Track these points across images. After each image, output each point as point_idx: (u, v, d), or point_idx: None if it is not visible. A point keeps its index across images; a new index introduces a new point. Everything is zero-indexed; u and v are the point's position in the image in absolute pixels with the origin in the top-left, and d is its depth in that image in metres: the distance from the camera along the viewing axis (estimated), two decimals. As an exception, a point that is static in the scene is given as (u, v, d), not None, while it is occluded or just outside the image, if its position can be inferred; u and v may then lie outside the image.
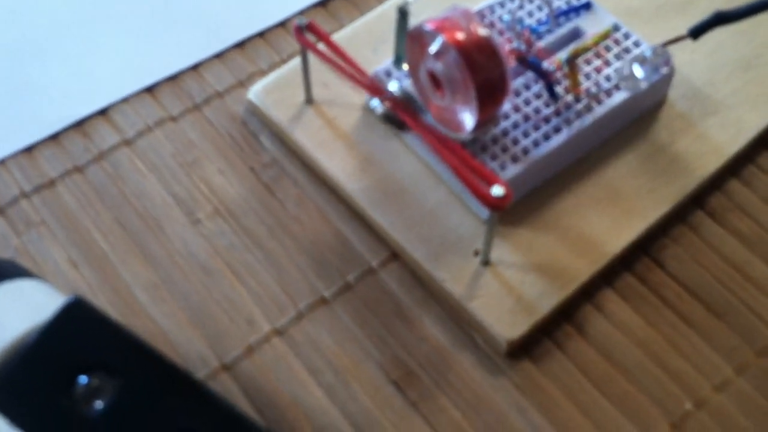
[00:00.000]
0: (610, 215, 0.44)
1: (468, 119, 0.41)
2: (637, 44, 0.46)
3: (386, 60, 0.47)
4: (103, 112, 0.48)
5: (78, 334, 0.31)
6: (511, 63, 0.43)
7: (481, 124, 0.41)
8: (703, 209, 0.46)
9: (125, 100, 0.48)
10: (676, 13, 0.51)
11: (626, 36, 0.47)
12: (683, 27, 0.50)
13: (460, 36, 0.40)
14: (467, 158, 0.39)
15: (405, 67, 0.44)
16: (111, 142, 0.47)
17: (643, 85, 0.41)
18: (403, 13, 0.40)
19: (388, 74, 0.45)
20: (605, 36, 0.46)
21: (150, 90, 0.49)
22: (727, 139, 0.47)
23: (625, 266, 0.44)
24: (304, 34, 0.43)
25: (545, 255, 0.43)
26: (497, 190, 0.38)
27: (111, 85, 0.48)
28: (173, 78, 0.49)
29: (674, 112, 0.47)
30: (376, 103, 0.41)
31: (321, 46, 0.44)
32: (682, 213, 0.45)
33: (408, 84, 0.44)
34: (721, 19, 0.43)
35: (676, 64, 0.46)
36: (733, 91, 0.48)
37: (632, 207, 0.44)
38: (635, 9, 0.51)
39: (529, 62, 0.43)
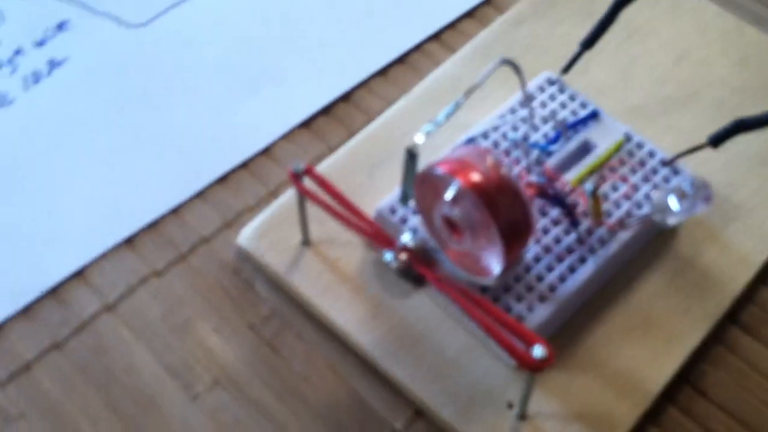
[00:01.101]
0: (646, 345, 0.41)
1: (493, 264, 0.37)
2: (652, 154, 0.43)
3: (383, 186, 0.44)
4: (79, 274, 0.43)
5: None
6: (530, 195, 0.40)
7: (508, 268, 0.38)
8: (738, 325, 0.43)
9: (103, 257, 0.44)
10: (681, 107, 0.48)
11: (639, 145, 0.44)
12: (690, 123, 0.48)
13: (477, 178, 0.36)
14: (501, 316, 0.35)
15: (411, 203, 0.40)
16: (91, 309, 0.42)
17: (679, 219, 0.38)
18: (411, 155, 0.36)
19: (393, 211, 0.42)
20: (618, 148, 0.43)
21: (129, 242, 0.44)
22: (753, 247, 0.44)
23: (667, 398, 0.41)
24: (301, 180, 0.39)
25: (584, 400, 0.39)
26: (539, 352, 0.34)
27: (86, 241, 0.44)
28: (153, 225, 0.45)
29: (694, 219, 0.44)
30: (390, 256, 0.37)
31: (313, 188, 0.40)
32: (717, 332, 0.42)
33: (419, 227, 0.40)
34: (741, 126, 0.41)
35: (691, 164, 0.43)
36: (752, 192, 0.45)
37: (668, 333, 0.41)
38: (638, 107, 0.48)
39: (551, 196, 0.39)
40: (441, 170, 0.37)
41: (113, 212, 0.45)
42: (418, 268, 0.37)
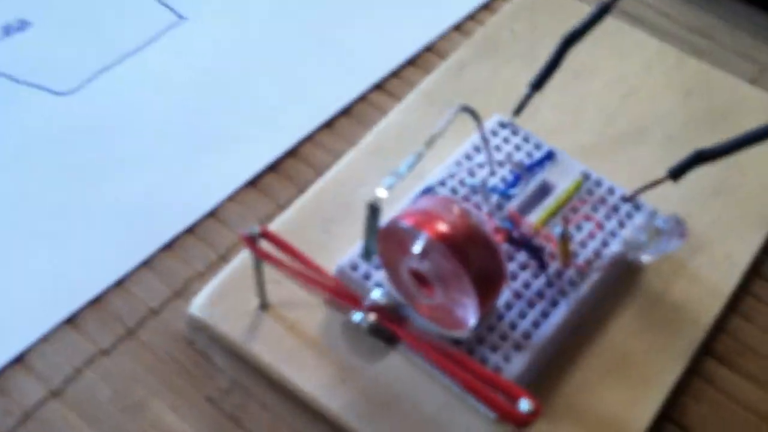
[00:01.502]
0: (625, 387, 0.40)
1: (468, 316, 0.35)
2: (611, 191, 0.43)
3: (340, 242, 0.42)
4: (19, 360, 0.40)
5: None
6: (499, 242, 0.38)
7: (483, 319, 0.36)
8: (713, 356, 0.42)
9: (44, 339, 0.40)
10: (633, 143, 0.48)
11: (598, 183, 0.43)
12: (643, 158, 0.47)
13: (445, 229, 0.34)
14: (482, 371, 0.33)
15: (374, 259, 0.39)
16: (35, 397, 0.39)
17: (654, 256, 0.37)
18: (374, 210, 0.35)
19: (354, 267, 0.40)
20: (577, 187, 0.42)
21: (71, 321, 0.41)
22: (721, 277, 0.43)
23: (651, 441, 0.39)
24: (257, 243, 0.37)
25: (569, 450, 0.38)
26: (525, 405, 0.32)
27: (23, 324, 0.41)
28: (96, 300, 0.42)
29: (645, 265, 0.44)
30: (359, 317, 0.35)
31: (270, 250, 0.38)
32: (694, 365, 0.41)
33: (384, 282, 0.38)
34: (701, 157, 0.40)
35: (649, 199, 0.43)
36: (712, 221, 0.45)
37: (646, 372, 0.40)
38: (591, 146, 0.48)
39: (519, 241, 0.38)
40: (406, 223, 0.35)
41: (51, 290, 0.42)
42: (389, 326, 0.35)
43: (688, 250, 0.44)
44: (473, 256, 0.34)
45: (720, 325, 0.43)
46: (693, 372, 0.41)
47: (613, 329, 0.41)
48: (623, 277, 0.43)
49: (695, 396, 0.41)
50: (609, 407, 0.39)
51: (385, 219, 0.36)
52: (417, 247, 0.35)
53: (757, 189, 0.47)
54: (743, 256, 0.44)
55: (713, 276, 0.43)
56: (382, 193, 0.34)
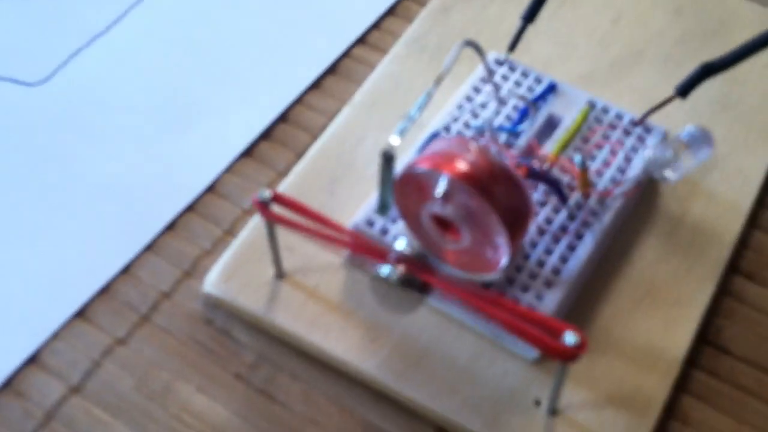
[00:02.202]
0: (658, 313, 0.39)
1: (499, 255, 0.34)
2: (620, 116, 0.42)
3: (349, 202, 0.41)
4: (33, 360, 0.38)
5: None
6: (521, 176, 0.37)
7: (513, 258, 0.35)
8: (740, 273, 0.41)
9: (56, 336, 0.39)
10: (630, 67, 0.47)
11: (605, 110, 0.42)
12: (642, 80, 0.47)
13: (466, 168, 0.33)
14: (523, 310, 0.32)
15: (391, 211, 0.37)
16: (55, 395, 0.37)
17: (683, 171, 0.36)
18: (388, 159, 0.33)
19: (371, 223, 0.39)
20: (585, 116, 0.41)
21: (82, 314, 0.40)
22: (737, 192, 0.42)
23: (691, 364, 0.39)
24: (269, 207, 0.36)
25: (611, 382, 0.37)
26: (570, 338, 0.31)
27: (33, 323, 0.39)
28: (105, 290, 0.40)
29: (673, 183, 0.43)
30: (387, 270, 0.34)
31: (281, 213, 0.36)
32: (723, 285, 0.41)
33: (403, 235, 0.37)
34: (708, 71, 0.39)
35: (656, 120, 0.42)
36: (722, 137, 0.44)
37: (676, 297, 0.39)
38: (588, 73, 0.46)
39: (540, 175, 0.37)
40: (424, 167, 0.34)
41: (57, 285, 0.40)
42: (420, 276, 0.34)
43: (701, 169, 0.43)
44: (498, 192, 0.33)
45: (743, 241, 0.42)
46: (723, 291, 0.41)
47: (638, 257, 0.40)
48: (642, 204, 0.42)
49: (728, 315, 0.40)
50: (645, 335, 0.38)
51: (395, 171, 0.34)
52: (439, 190, 0.33)
53: (759, 101, 0.46)
54: (756, 170, 0.43)
55: (729, 192, 0.42)
56: (395, 140, 0.33)
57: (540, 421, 0.36)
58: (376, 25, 0.50)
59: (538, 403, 0.36)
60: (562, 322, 0.32)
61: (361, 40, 0.50)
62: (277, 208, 0.36)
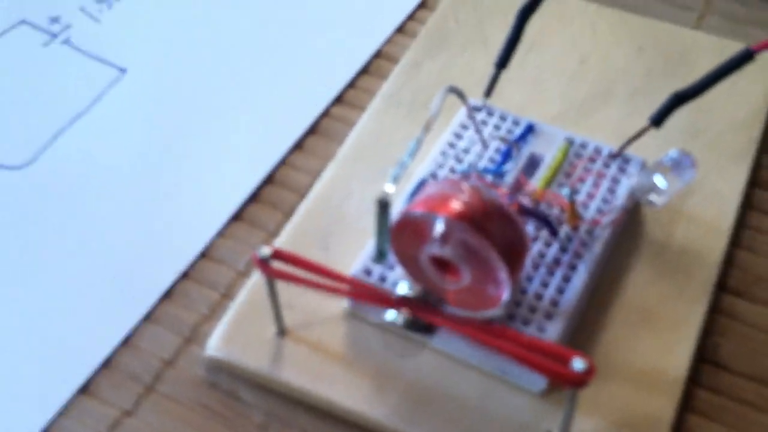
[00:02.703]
0: (655, 336, 0.40)
1: (500, 290, 0.35)
2: (598, 150, 0.43)
3: (343, 255, 0.42)
4: (41, 439, 0.38)
5: None
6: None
7: (514, 292, 0.36)
8: (729, 292, 0.42)
9: (61, 414, 0.39)
10: (600, 105, 0.49)
11: (584, 146, 0.43)
12: (613, 116, 0.48)
13: (461, 207, 0.34)
14: (530, 340, 0.33)
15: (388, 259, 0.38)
16: (68, 473, 0.37)
17: (670, 194, 0.38)
18: (383, 206, 0.34)
19: (368, 272, 0.39)
20: (566, 152, 0.43)
21: (85, 390, 0.39)
22: (717, 214, 0.44)
23: (692, 383, 0.39)
24: (270, 264, 0.36)
25: (618, 407, 0.37)
26: (579, 365, 0.32)
27: (36, 404, 0.39)
28: (106, 364, 0.40)
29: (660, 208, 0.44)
30: (392, 315, 0.34)
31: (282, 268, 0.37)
32: (714, 304, 0.42)
33: (402, 281, 0.38)
34: (680, 99, 0.41)
35: (631, 152, 0.43)
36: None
37: (671, 318, 0.40)
38: (561, 113, 0.48)
39: (533, 212, 0.38)
40: (420, 210, 0.35)
41: (57, 363, 0.40)
42: (424, 317, 0.35)
43: (679, 194, 0.44)
44: (495, 228, 0.34)
45: (728, 261, 0.43)
46: (714, 310, 0.42)
47: (629, 283, 0.41)
48: (627, 232, 0.43)
49: (722, 333, 0.41)
50: (645, 358, 0.39)
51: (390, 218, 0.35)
52: (437, 231, 0.34)
53: (726, 127, 0.48)
54: (732, 192, 0.45)
55: (709, 215, 0.44)
56: (390, 188, 0.34)
57: (554, 452, 0.36)
58: (351, 84, 0.52)
59: (549, 434, 0.37)
60: (568, 349, 0.33)
61: (339, 100, 0.51)
62: (276, 265, 0.37)
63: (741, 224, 0.45)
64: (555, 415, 0.37)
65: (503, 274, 0.34)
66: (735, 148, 0.47)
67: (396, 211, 0.38)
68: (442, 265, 0.36)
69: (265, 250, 0.36)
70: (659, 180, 0.37)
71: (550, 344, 0.33)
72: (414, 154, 0.35)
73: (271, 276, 0.37)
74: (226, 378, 0.40)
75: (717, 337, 0.41)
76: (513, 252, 0.35)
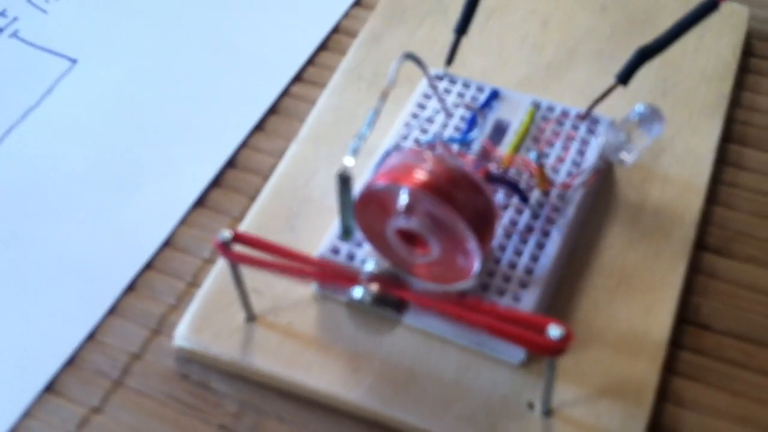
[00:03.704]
0: (635, 299, 0.39)
1: (470, 261, 0.34)
2: (565, 113, 0.42)
3: (310, 236, 0.40)
4: (6, 443, 0.36)
5: None
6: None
7: (485, 262, 0.34)
8: (708, 250, 0.41)
9: (27, 415, 0.37)
10: (565, 67, 0.47)
11: (551, 109, 0.42)
12: (579, 78, 0.47)
13: (425, 177, 0.33)
14: (504, 311, 0.32)
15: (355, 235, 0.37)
16: (35, 477, 0.36)
17: (639, 151, 0.36)
18: (344, 180, 0.33)
19: (336, 251, 0.38)
20: (532, 116, 0.41)
21: (50, 389, 0.38)
22: (691, 172, 0.43)
23: (675, 345, 0.38)
24: (231, 248, 0.35)
25: (601, 374, 0.36)
26: (555, 332, 0.31)
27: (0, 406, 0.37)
28: (71, 362, 0.39)
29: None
30: (359, 292, 0.33)
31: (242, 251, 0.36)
32: (693, 263, 0.41)
33: (371, 257, 0.36)
34: (645, 54, 0.40)
35: (600, 112, 0.42)
36: (667, 121, 0.44)
37: (650, 281, 0.39)
38: (526, 78, 0.47)
39: (501, 178, 0.37)
40: (383, 182, 0.33)
41: (21, 362, 0.39)
42: (394, 293, 0.33)
43: (651, 154, 0.43)
44: (461, 197, 0.33)
45: (705, 219, 0.42)
46: (695, 270, 0.41)
47: (605, 247, 0.40)
48: (601, 195, 0.42)
49: (703, 292, 0.40)
50: (626, 323, 0.38)
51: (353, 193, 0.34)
52: (401, 204, 0.33)
53: (697, 82, 0.47)
54: (705, 148, 0.44)
55: (683, 173, 0.43)
56: (349, 161, 0.33)
57: (536, 423, 0.35)
58: (310, 61, 0.50)
59: (531, 406, 0.36)
60: (544, 318, 0.31)
61: (298, 78, 0.50)
62: (240, 249, 0.35)
63: (716, 180, 0.44)
64: (536, 386, 0.36)
65: (472, 244, 0.33)
66: (706, 104, 0.46)
67: (359, 188, 0.37)
68: (409, 238, 0.35)
69: (226, 234, 0.34)
70: (627, 137, 0.36)
71: (524, 314, 0.32)
72: (372, 125, 0.34)
73: (234, 260, 0.35)
74: (197, 368, 0.38)
75: (698, 297, 0.40)
76: (481, 220, 0.33)
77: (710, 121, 0.45)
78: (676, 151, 0.44)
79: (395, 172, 0.34)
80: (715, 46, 0.48)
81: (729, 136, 0.46)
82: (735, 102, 0.47)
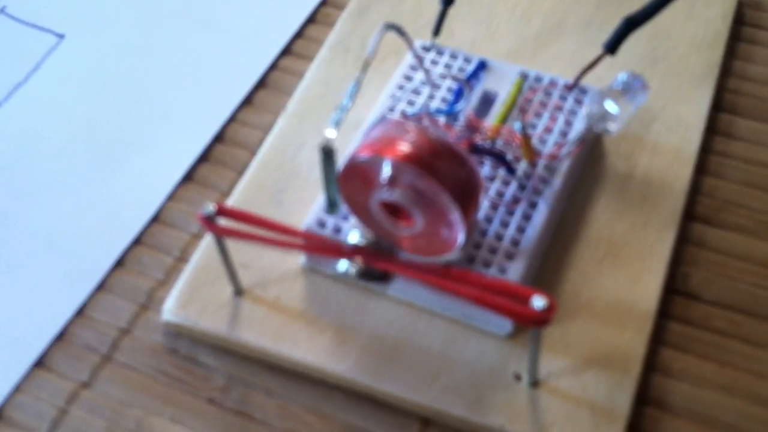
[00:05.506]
0: (623, 269, 0.39)
1: (454, 233, 0.34)
2: (553, 83, 0.42)
3: (297, 209, 0.40)
4: (-5, 418, 0.37)
5: None
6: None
7: (468, 234, 0.34)
8: (697, 220, 0.41)
9: (18, 390, 0.37)
10: (554, 37, 0.47)
11: (538, 79, 0.42)
12: (568, 48, 0.47)
13: (408, 149, 0.33)
14: (488, 281, 0.32)
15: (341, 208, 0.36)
16: (24, 451, 0.36)
17: (623, 119, 0.36)
18: (327, 152, 0.33)
19: (322, 224, 0.38)
20: (520, 87, 0.41)
21: (40, 364, 0.38)
22: (681, 141, 0.43)
23: (663, 315, 0.38)
24: (215, 222, 0.35)
25: (588, 344, 0.36)
26: (539, 303, 0.31)
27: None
28: (60, 337, 0.39)
29: (616, 133, 0.43)
30: (344, 265, 0.33)
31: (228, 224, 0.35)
32: (682, 233, 0.41)
33: (357, 229, 0.36)
34: (632, 23, 0.39)
35: (590, 82, 0.42)
36: (656, 91, 0.44)
37: (638, 251, 0.39)
38: (514, 49, 0.46)
39: (486, 149, 0.37)
40: (365, 155, 0.33)
41: (11, 338, 0.39)
42: (378, 265, 0.33)
43: (640, 123, 0.43)
44: (444, 168, 0.33)
45: (695, 188, 0.42)
46: (683, 239, 0.41)
47: (593, 217, 0.40)
48: (589, 165, 0.42)
49: (692, 262, 0.40)
50: (614, 293, 0.38)
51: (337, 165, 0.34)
52: (384, 176, 0.33)
53: (686, 51, 0.46)
54: (695, 117, 0.44)
55: (673, 142, 0.43)
56: (331, 133, 0.33)
57: (523, 394, 0.35)
58: (298, 34, 0.50)
59: (518, 377, 0.36)
60: (528, 288, 0.31)
61: (286, 51, 0.49)
62: (225, 222, 0.35)
63: (706, 150, 0.43)
64: (523, 358, 0.36)
65: (456, 215, 0.33)
66: (696, 73, 0.45)
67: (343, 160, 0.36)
68: (393, 211, 0.34)
69: (209, 208, 0.34)
70: (610, 105, 0.35)
71: (509, 284, 0.32)
72: (354, 97, 0.33)
73: (218, 234, 0.35)
74: (185, 343, 0.39)
75: (687, 267, 0.40)
76: (465, 192, 0.33)
77: (700, 90, 0.45)
78: (666, 120, 0.43)
79: (378, 144, 0.33)
80: (706, 14, 0.48)
81: (719, 105, 0.45)
82: (726, 71, 0.47)
